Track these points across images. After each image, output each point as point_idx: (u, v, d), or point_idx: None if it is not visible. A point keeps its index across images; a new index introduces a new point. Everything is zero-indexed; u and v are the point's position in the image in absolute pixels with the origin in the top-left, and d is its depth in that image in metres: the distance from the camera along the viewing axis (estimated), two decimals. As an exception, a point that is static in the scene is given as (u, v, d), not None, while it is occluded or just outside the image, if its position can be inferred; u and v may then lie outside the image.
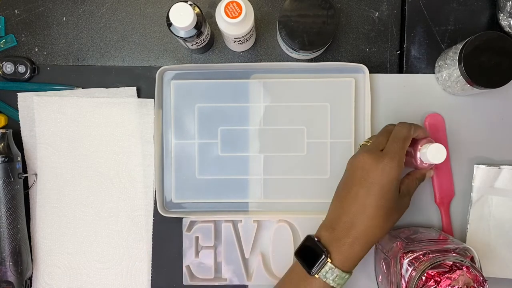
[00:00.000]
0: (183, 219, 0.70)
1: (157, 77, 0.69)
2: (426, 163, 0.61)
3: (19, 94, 0.71)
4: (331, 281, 0.56)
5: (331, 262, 0.56)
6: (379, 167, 0.56)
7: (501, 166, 0.68)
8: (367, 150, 0.59)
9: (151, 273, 0.71)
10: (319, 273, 0.56)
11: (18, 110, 0.71)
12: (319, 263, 0.56)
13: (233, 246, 0.69)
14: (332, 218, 0.59)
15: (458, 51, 0.62)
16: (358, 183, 0.57)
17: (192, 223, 0.70)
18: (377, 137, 0.61)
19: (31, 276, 0.71)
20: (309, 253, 0.58)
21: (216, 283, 0.70)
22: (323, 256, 0.56)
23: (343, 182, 0.60)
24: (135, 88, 0.70)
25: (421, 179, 0.63)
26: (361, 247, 0.57)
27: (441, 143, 0.68)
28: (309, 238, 0.59)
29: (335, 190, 0.61)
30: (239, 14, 0.58)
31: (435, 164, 0.61)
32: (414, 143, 0.63)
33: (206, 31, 0.64)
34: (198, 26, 0.60)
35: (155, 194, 0.70)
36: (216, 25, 0.61)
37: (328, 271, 0.56)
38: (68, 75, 0.71)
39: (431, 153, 0.59)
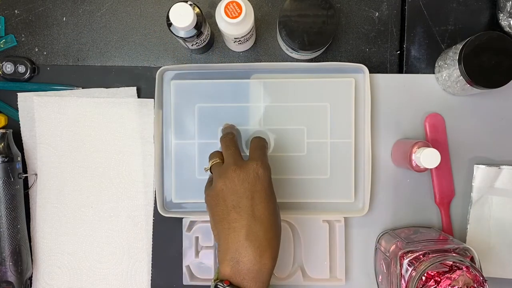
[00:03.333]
0: (183, 219, 0.70)
1: (157, 77, 0.69)
2: (421, 166, 0.62)
3: (19, 94, 0.71)
4: None
5: None
6: (253, 173, 0.56)
7: (501, 166, 0.68)
8: (230, 164, 0.57)
9: (151, 273, 0.71)
10: None
11: (18, 110, 0.71)
12: None
13: (233, 246, 0.69)
14: (227, 252, 0.54)
15: (458, 51, 0.62)
16: (241, 196, 0.55)
17: (192, 223, 0.70)
18: (226, 150, 0.60)
19: (31, 276, 0.71)
20: None
21: (216, 283, 0.70)
22: None
23: (222, 208, 0.56)
24: (135, 88, 0.70)
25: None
26: (271, 260, 0.54)
27: (441, 143, 0.69)
28: (217, 287, 0.53)
29: (215, 224, 0.57)
30: (239, 14, 0.58)
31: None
32: (410, 145, 0.63)
33: (206, 31, 0.64)
34: (198, 26, 0.60)
35: (155, 194, 0.70)
36: (216, 25, 0.61)
37: None
38: (68, 75, 0.71)
39: (424, 158, 0.60)
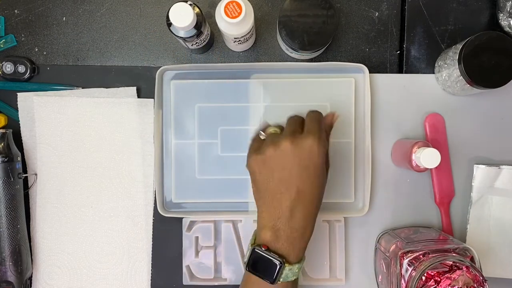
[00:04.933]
0: (183, 219, 0.70)
1: (157, 77, 0.69)
2: (421, 166, 0.62)
3: (19, 94, 0.71)
4: (292, 278, 0.55)
5: (288, 264, 0.54)
6: (308, 150, 0.54)
7: (501, 166, 0.68)
8: (286, 136, 0.56)
9: (151, 273, 0.71)
10: (280, 279, 0.55)
11: (18, 110, 0.71)
12: (278, 272, 0.54)
13: (233, 246, 0.69)
14: (269, 219, 0.56)
15: (458, 51, 0.62)
16: (288, 172, 0.55)
17: (192, 223, 0.70)
18: (288, 126, 0.58)
19: (31, 276, 0.71)
20: (263, 265, 0.55)
21: (216, 283, 0.70)
22: (279, 264, 0.54)
23: (267, 178, 0.56)
24: (135, 88, 0.70)
25: (329, 131, 0.61)
26: (310, 231, 0.56)
27: (441, 143, 0.69)
28: (255, 251, 0.55)
29: (258, 192, 0.57)
30: (239, 14, 0.58)
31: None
32: (410, 145, 0.63)
33: (206, 31, 0.64)
34: (198, 26, 0.60)
35: (155, 194, 0.70)
36: (216, 25, 0.61)
37: (288, 273, 0.55)
38: (68, 75, 0.71)
39: (424, 158, 0.60)
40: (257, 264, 0.55)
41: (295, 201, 0.55)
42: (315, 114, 0.59)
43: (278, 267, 0.54)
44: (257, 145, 0.59)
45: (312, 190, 0.56)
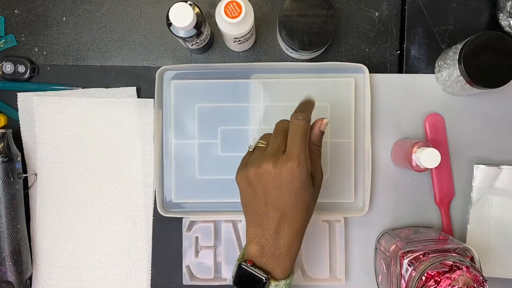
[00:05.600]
0: (183, 219, 0.70)
1: (157, 77, 0.69)
2: (421, 166, 0.62)
3: (19, 94, 0.71)
4: None
5: (274, 280, 0.54)
6: (287, 174, 0.53)
7: (501, 166, 0.68)
8: (268, 157, 0.54)
9: (151, 273, 0.71)
10: None
11: (18, 110, 0.71)
12: None
13: (233, 246, 0.69)
14: (254, 235, 0.55)
15: (458, 51, 0.62)
16: (271, 194, 0.54)
17: (192, 223, 0.70)
18: (274, 139, 0.57)
19: (31, 276, 0.71)
20: (249, 280, 0.54)
21: (216, 283, 0.70)
22: (264, 280, 0.53)
23: (251, 197, 0.56)
24: (135, 88, 0.70)
25: (320, 142, 0.59)
26: (297, 247, 0.56)
27: (441, 143, 0.69)
28: (241, 266, 0.55)
29: (244, 207, 0.57)
30: (239, 14, 0.58)
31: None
32: (410, 145, 0.63)
33: (206, 31, 0.64)
34: (198, 26, 0.60)
35: (155, 194, 0.70)
36: (216, 25, 0.61)
37: None
38: (68, 75, 0.71)
39: (424, 158, 0.60)
40: (243, 279, 0.55)
41: (280, 220, 0.54)
42: (296, 123, 0.56)
43: (263, 283, 0.53)
44: (245, 161, 0.58)
45: (297, 210, 0.55)
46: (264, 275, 0.53)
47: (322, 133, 0.59)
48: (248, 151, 0.60)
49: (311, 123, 0.58)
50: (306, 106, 0.59)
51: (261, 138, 0.59)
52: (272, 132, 0.58)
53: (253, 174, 0.55)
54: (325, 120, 0.58)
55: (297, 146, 0.54)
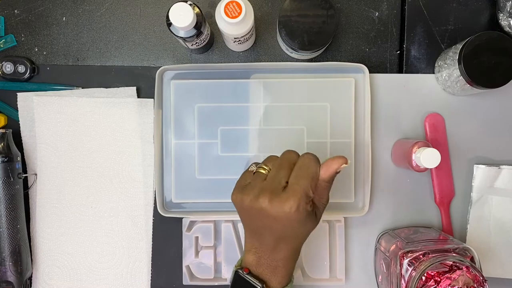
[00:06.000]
0: (183, 219, 0.70)
1: (157, 77, 0.69)
2: (421, 166, 0.62)
3: (19, 94, 0.71)
4: None
5: None
6: (284, 214, 0.50)
7: (501, 166, 0.68)
8: (266, 190, 0.51)
9: (151, 273, 0.71)
10: None
11: (18, 110, 0.71)
12: None
13: (233, 246, 0.69)
14: (252, 246, 0.55)
15: (458, 51, 0.62)
16: (267, 224, 0.52)
17: (192, 223, 0.70)
18: (277, 170, 0.53)
19: (31, 276, 0.71)
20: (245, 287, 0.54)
21: (216, 283, 0.70)
22: None
23: (247, 219, 0.55)
24: (135, 88, 0.70)
25: (332, 181, 0.55)
26: (294, 260, 0.55)
27: (441, 143, 0.69)
28: (237, 273, 0.55)
29: (241, 219, 0.56)
30: (239, 14, 0.58)
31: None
32: (410, 145, 0.63)
33: (206, 31, 0.64)
34: (198, 26, 0.60)
35: (155, 194, 0.70)
36: (216, 25, 0.61)
37: None
38: (68, 75, 0.71)
39: (425, 158, 0.60)
40: (239, 287, 0.55)
41: (277, 241, 0.53)
42: (307, 163, 0.53)
43: None
44: (243, 181, 0.55)
45: (296, 236, 0.54)
46: (259, 284, 0.53)
47: (333, 176, 0.54)
48: (248, 169, 0.57)
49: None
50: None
51: (265, 162, 0.56)
52: (277, 156, 0.56)
53: (248, 203, 0.52)
54: (348, 161, 0.54)
55: (301, 187, 0.50)
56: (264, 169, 0.54)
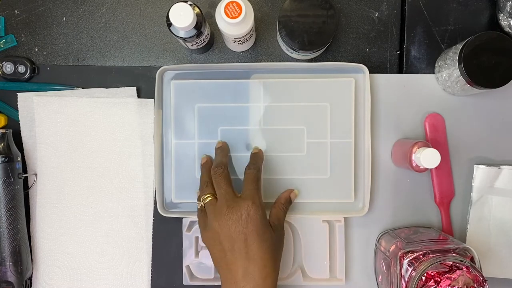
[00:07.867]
0: (183, 219, 0.70)
1: (157, 77, 0.69)
2: (421, 166, 0.62)
3: (19, 94, 0.71)
4: None
5: None
6: (244, 212, 0.58)
7: (501, 166, 0.68)
8: (223, 204, 0.59)
9: (151, 273, 0.71)
10: None
11: (18, 110, 0.71)
12: None
13: (233, 246, 0.69)
14: (227, 285, 0.59)
15: (458, 51, 0.62)
16: (236, 239, 0.58)
17: (192, 223, 0.70)
18: (218, 189, 0.61)
19: (31, 276, 0.71)
20: None
21: (216, 283, 0.70)
22: None
23: (219, 251, 0.59)
24: (135, 88, 0.70)
25: (286, 204, 0.65)
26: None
27: (441, 143, 0.69)
28: None
29: (216, 265, 0.61)
30: (239, 14, 0.58)
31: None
32: (410, 145, 0.63)
33: (206, 31, 0.64)
34: (198, 26, 0.60)
35: (155, 194, 0.70)
36: (216, 25, 0.61)
37: None
38: (68, 75, 0.71)
39: (424, 158, 0.60)
40: None
41: (247, 267, 0.57)
42: (250, 174, 0.63)
43: None
44: (203, 220, 0.62)
45: (264, 255, 0.58)
46: None
47: (290, 200, 0.66)
48: (198, 208, 0.64)
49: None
50: (257, 158, 0.66)
51: (203, 192, 0.63)
52: (204, 181, 0.64)
53: (217, 227, 0.59)
54: (295, 191, 0.68)
55: (250, 189, 0.61)
56: (209, 196, 0.62)
